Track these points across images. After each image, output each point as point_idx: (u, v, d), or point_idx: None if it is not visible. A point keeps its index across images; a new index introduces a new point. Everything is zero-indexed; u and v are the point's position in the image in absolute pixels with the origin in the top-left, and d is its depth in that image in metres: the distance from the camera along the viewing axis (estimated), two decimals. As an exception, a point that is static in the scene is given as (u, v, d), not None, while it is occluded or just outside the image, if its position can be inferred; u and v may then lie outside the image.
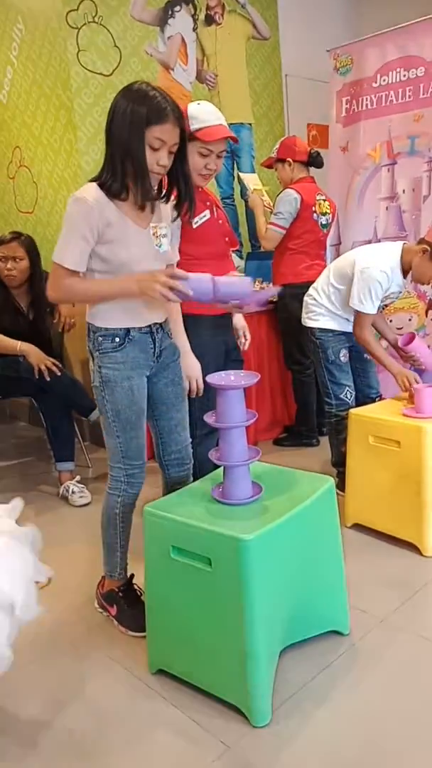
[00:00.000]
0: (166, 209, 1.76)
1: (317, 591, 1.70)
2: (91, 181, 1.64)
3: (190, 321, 2.01)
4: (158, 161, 1.59)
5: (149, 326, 1.75)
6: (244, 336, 2.34)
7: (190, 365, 2.00)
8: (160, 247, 1.72)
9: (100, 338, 1.72)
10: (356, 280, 2.44)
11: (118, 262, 1.65)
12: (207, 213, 2.18)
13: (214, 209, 2.22)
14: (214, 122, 2.03)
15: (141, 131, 1.55)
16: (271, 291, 1.36)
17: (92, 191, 1.60)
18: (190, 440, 1.95)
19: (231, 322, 2.32)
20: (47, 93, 3.42)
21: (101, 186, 1.61)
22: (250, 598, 1.43)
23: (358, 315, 2.49)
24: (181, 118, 1.60)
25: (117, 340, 1.71)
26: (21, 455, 3.74)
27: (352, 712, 1.51)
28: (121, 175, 1.59)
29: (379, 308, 2.65)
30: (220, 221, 2.24)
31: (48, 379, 2.84)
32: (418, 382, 2.42)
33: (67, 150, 3.39)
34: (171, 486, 1.90)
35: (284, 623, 1.61)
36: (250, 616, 1.43)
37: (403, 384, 2.46)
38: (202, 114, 2.02)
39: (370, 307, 2.45)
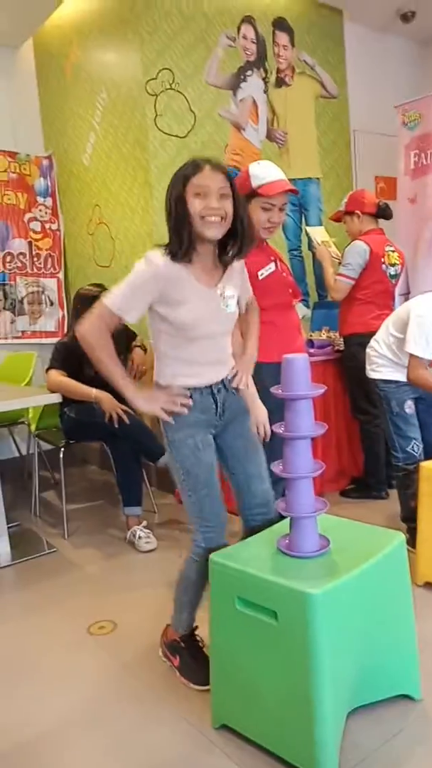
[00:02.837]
0: (235, 271, 1.77)
1: (387, 652, 1.64)
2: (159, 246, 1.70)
3: (254, 368, 2.02)
4: (208, 204, 1.62)
5: (210, 386, 1.77)
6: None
7: (258, 410, 2.01)
8: (227, 307, 1.74)
9: None
10: (411, 325, 2.44)
11: (181, 322, 1.68)
12: (272, 265, 2.25)
13: (278, 262, 2.28)
14: (273, 178, 2.12)
15: (183, 187, 1.62)
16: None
17: (159, 255, 1.66)
18: (273, 493, 1.89)
19: None
20: (126, 155, 3.64)
21: (167, 250, 1.66)
22: (317, 655, 1.39)
23: (411, 358, 2.47)
24: (220, 166, 1.64)
25: None
26: (91, 499, 3.83)
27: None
28: (185, 238, 1.63)
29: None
30: (284, 273, 2.30)
31: (117, 426, 2.93)
32: None
33: (143, 208, 3.57)
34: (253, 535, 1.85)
35: (352, 683, 1.55)
36: (316, 673, 1.40)
37: None
38: (262, 171, 2.11)
39: (423, 351, 2.43)
